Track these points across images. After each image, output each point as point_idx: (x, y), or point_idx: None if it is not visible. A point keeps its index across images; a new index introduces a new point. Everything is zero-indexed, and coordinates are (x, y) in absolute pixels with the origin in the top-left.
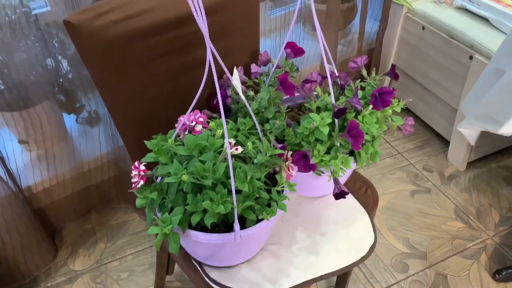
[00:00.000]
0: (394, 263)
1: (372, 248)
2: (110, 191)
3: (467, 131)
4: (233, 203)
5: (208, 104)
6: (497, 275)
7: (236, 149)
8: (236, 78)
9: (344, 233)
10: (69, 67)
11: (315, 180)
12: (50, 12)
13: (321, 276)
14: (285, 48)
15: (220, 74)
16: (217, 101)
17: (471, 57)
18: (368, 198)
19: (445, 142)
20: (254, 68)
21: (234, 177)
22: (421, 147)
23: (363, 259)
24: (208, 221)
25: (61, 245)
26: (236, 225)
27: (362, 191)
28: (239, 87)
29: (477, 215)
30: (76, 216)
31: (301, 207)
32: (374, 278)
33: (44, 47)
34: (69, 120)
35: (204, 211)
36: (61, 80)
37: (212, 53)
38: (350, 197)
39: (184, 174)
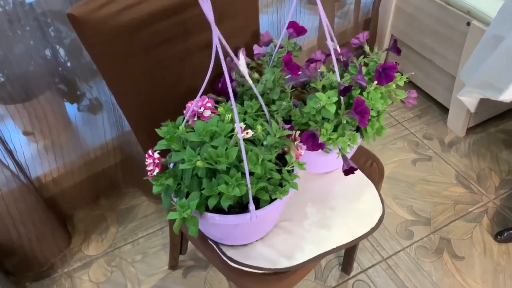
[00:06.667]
0: (399, 231)
1: (380, 220)
2: (117, 177)
3: (467, 99)
4: (247, 185)
5: (212, 88)
6: (499, 237)
7: (247, 133)
8: (242, 63)
9: (352, 207)
10: (67, 56)
11: (322, 157)
12: (45, 1)
13: (333, 249)
14: (287, 28)
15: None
16: (222, 85)
17: (468, 24)
18: (373, 171)
19: (444, 110)
20: (256, 49)
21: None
22: (421, 115)
23: (372, 230)
24: (225, 204)
25: (74, 232)
26: (251, 206)
27: (368, 164)
28: (246, 72)
29: (478, 180)
30: (86, 203)
31: (309, 183)
32: (381, 246)
33: (42, 37)
34: (73, 109)
35: (219, 194)
36: (60, 69)
37: (218, 37)
38: (356, 171)
39: (198, 160)
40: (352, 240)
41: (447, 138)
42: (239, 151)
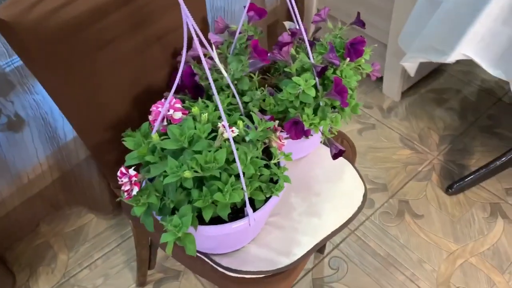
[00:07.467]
0: None
1: (365, 196)
2: (57, 197)
3: (409, 64)
4: (242, 188)
5: (167, 86)
6: (449, 190)
7: (232, 131)
8: (215, 53)
9: (336, 189)
10: None
11: (298, 143)
12: None
13: (328, 235)
14: (247, 12)
15: (176, 50)
16: (182, 80)
17: None
18: (346, 149)
19: (378, 78)
20: (213, 37)
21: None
22: (357, 86)
23: (360, 209)
24: (224, 213)
25: (17, 268)
26: (249, 210)
27: (339, 143)
28: (219, 62)
29: (420, 140)
30: (24, 233)
31: (287, 172)
32: None
33: None
34: None
35: (212, 202)
36: None
37: (191, 25)
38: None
39: (186, 170)
40: (344, 223)
41: (385, 104)
42: (227, 153)
